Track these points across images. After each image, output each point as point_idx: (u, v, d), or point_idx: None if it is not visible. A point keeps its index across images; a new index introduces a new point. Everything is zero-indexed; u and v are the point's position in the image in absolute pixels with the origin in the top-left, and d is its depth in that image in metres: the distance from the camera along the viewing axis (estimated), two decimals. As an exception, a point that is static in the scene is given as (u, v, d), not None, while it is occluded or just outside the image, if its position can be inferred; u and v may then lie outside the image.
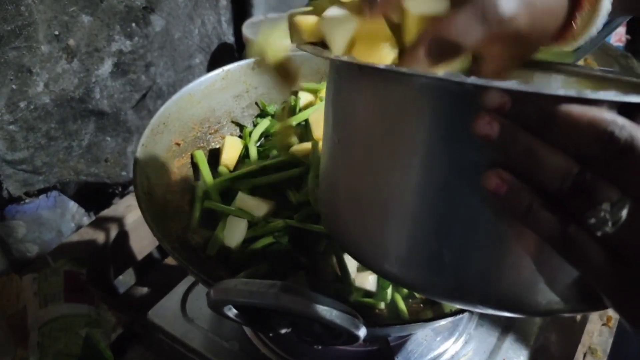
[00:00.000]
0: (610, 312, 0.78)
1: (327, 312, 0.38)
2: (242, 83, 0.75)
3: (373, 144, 0.36)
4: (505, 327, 0.68)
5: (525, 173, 0.30)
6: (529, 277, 0.33)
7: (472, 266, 0.33)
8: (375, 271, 0.40)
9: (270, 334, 0.46)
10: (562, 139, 0.28)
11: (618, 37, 1.16)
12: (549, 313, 0.34)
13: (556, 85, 0.47)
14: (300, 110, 0.76)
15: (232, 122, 0.75)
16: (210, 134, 0.72)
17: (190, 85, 0.69)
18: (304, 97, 0.77)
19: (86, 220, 0.98)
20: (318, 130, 0.68)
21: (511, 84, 0.28)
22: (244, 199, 0.62)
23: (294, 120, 0.72)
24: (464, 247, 0.33)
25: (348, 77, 0.38)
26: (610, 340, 0.76)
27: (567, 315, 0.57)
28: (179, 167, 0.65)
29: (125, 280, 1.01)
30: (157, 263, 1.07)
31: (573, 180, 0.28)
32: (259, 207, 0.61)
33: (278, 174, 0.66)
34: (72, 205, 0.95)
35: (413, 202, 0.34)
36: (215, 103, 0.73)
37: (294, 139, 0.68)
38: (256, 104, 0.77)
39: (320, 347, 0.61)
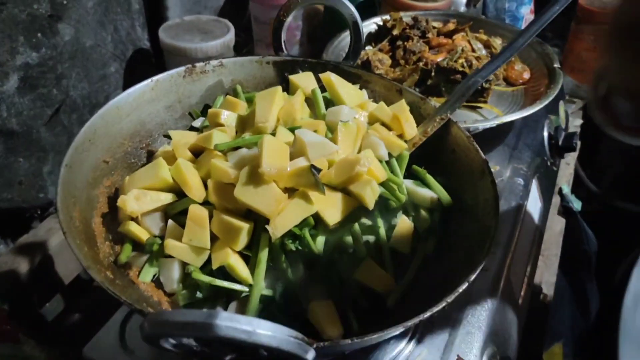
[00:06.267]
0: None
1: (272, 338, 0.36)
2: (173, 93, 0.71)
3: None
4: (454, 323, 0.67)
5: None
6: None
7: None
8: None
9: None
10: None
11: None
12: None
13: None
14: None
15: (164, 135, 0.70)
16: (141, 148, 0.68)
17: (117, 98, 0.64)
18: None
19: (3, 248, 0.91)
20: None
21: None
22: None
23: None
24: None
25: None
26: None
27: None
28: (108, 187, 0.61)
29: (53, 307, 0.95)
30: (86, 284, 1.01)
31: None
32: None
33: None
34: (-15, 235, 0.88)
35: None
36: (145, 115, 0.68)
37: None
38: (189, 114, 0.73)
39: None
